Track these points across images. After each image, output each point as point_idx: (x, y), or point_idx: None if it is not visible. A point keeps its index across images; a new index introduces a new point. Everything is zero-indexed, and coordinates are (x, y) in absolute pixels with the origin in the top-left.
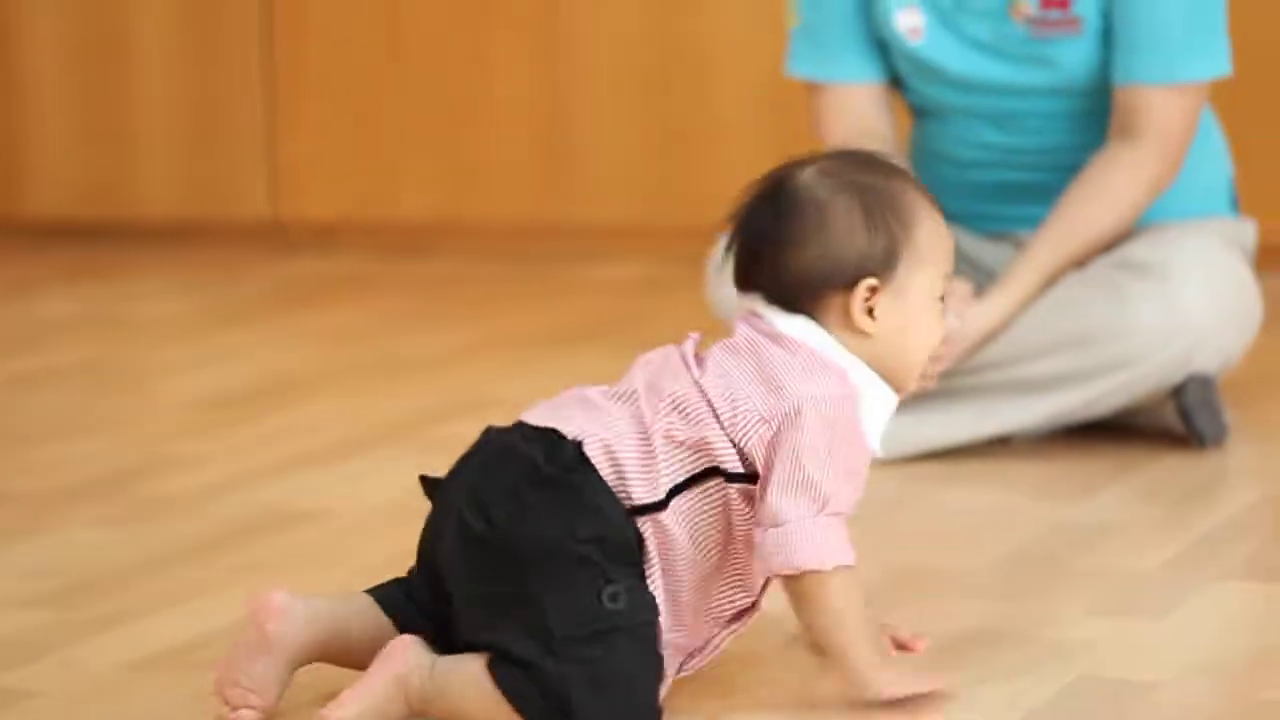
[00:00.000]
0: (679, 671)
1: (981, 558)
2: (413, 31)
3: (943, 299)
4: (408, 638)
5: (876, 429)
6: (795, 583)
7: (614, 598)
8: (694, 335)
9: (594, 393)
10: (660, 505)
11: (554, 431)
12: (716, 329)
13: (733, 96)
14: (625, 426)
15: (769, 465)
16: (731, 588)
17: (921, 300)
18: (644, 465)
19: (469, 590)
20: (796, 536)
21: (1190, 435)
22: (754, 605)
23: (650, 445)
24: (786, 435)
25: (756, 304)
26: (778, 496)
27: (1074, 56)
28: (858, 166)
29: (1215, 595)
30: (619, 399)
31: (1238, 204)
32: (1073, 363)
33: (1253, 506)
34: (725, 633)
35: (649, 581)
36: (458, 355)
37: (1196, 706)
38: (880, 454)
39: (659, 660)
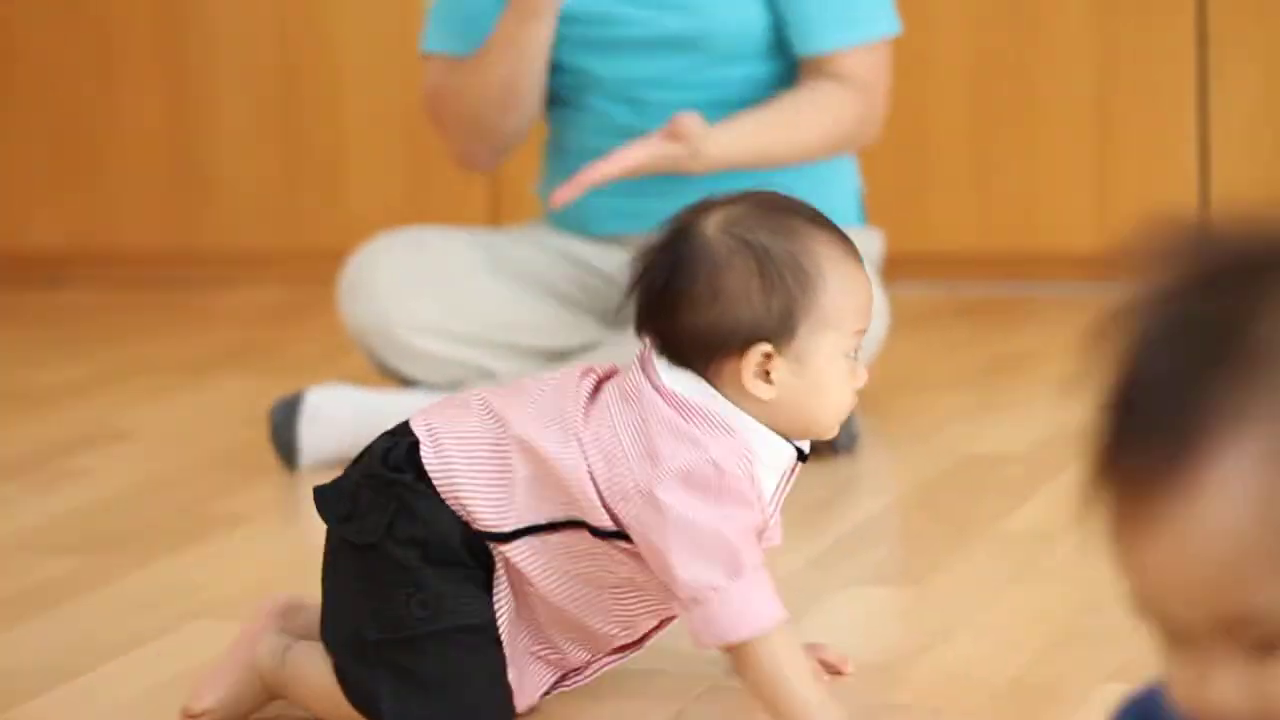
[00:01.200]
0: (555, 688)
1: None
2: (28, 62)
3: (856, 354)
4: (259, 623)
5: (770, 484)
6: (732, 652)
7: (423, 604)
8: (592, 368)
9: (494, 399)
10: (504, 538)
11: (408, 428)
12: (352, 351)
13: (363, 121)
14: (483, 451)
15: (656, 544)
16: (611, 624)
17: (825, 362)
18: (490, 495)
19: (321, 585)
20: (720, 611)
21: (822, 443)
22: (639, 642)
23: (506, 477)
24: (661, 510)
25: (651, 350)
26: (684, 573)
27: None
28: (764, 218)
29: (847, 599)
30: (495, 417)
31: (865, 215)
32: None
33: (882, 512)
34: (605, 660)
35: (497, 592)
36: (90, 385)
37: None
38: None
39: (488, 669)
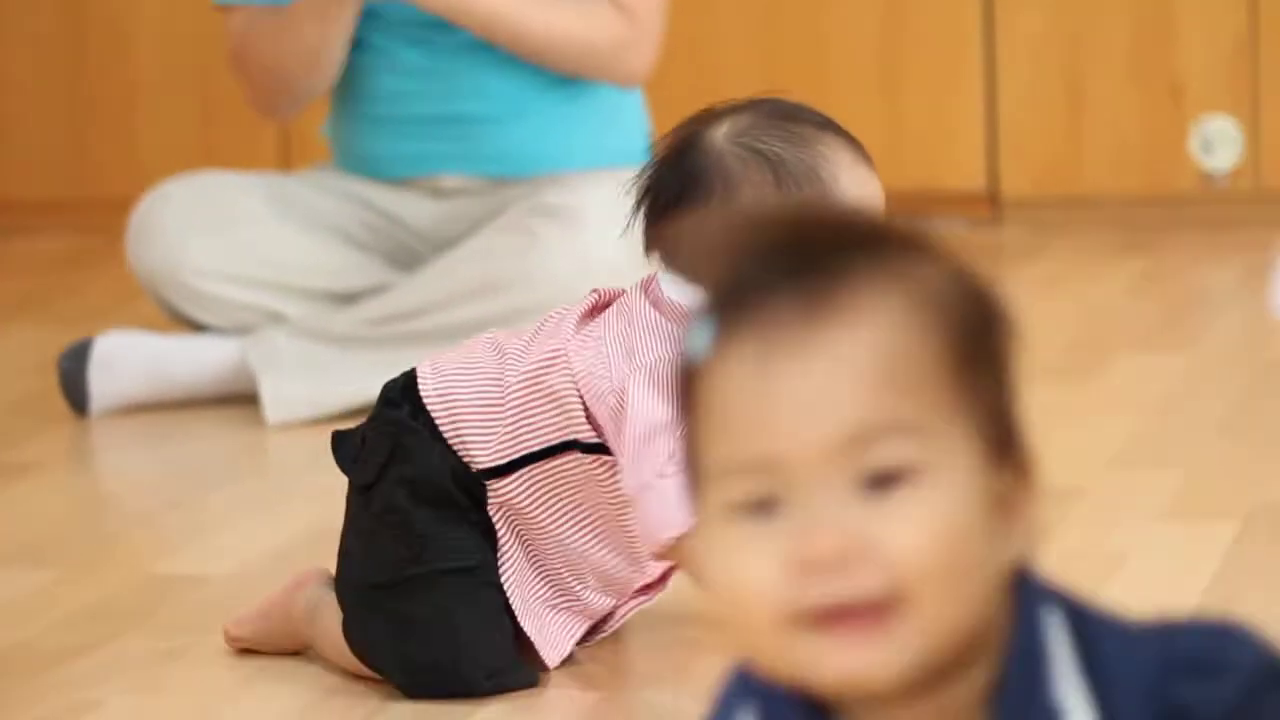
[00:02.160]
0: (587, 639)
1: None
2: None
3: None
4: (314, 570)
5: None
6: (673, 554)
7: (409, 546)
8: (596, 290)
9: (501, 336)
10: (500, 472)
11: (413, 371)
12: (142, 297)
13: (153, 69)
14: (483, 382)
15: (615, 438)
16: (620, 557)
17: None
18: (486, 427)
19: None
20: (651, 505)
21: None
22: (662, 579)
23: (501, 407)
24: (624, 404)
25: (658, 266)
26: (632, 463)
27: None
28: (774, 126)
29: None
30: (499, 350)
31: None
32: (488, 309)
33: None
34: (630, 604)
35: (501, 542)
36: None
37: None
38: (304, 414)
39: (481, 612)
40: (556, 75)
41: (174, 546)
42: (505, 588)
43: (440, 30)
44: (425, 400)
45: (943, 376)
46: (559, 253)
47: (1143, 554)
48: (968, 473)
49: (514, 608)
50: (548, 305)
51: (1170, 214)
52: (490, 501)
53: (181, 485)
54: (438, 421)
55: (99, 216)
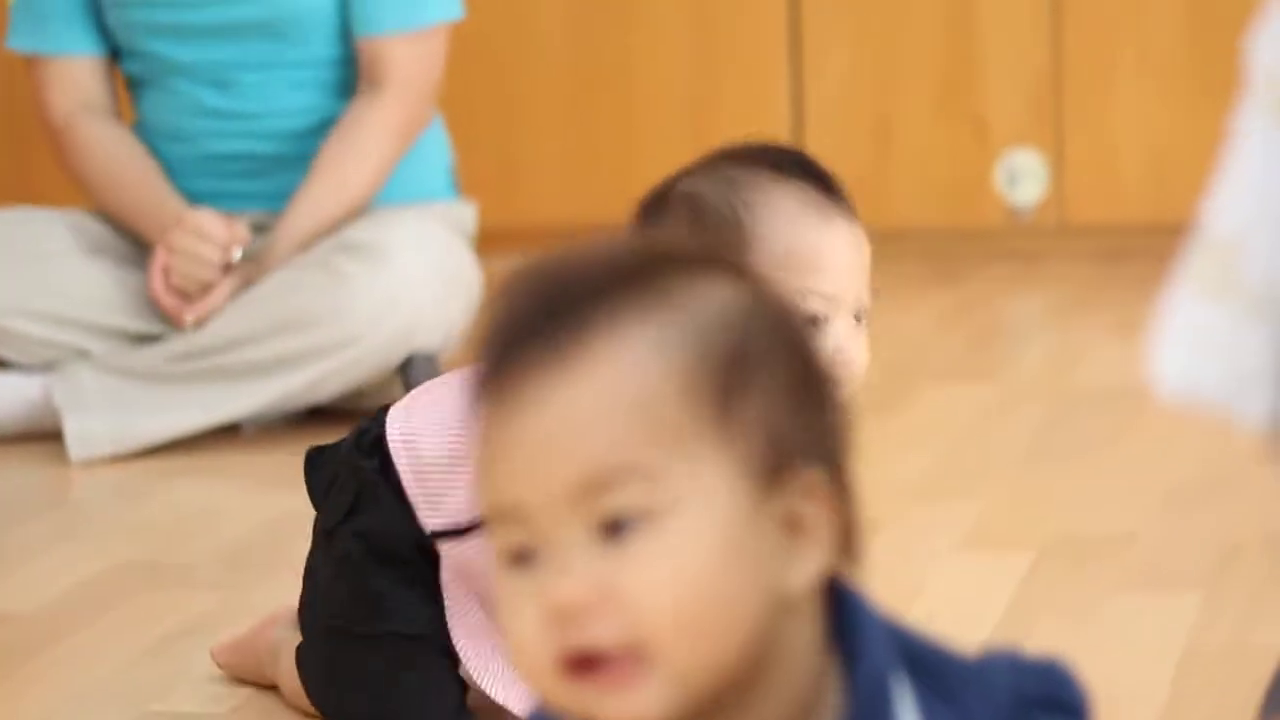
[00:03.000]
0: None
1: (204, 550)
2: None
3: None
4: (285, 609)
5: None
6: None
7: (363, 603)
8: None
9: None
10: (459, 533)
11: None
12: None
13: None
14: (450, 436)
15: None
16: None
17: None
18: (450, 485)
19: None
20: None
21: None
22: None
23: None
24: None
25: None
26: None
27: None
28: (723, 167)
29: None
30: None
31: (457, 188)
32: (293, 345)
33: None
34: None
35: (451, 598)
36: None
37: None
38: (109, 450)
39: (421, 678)
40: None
41: None
42: (461, 651)
43: (240, 70)
44: (390, 443)
45: (688, 410)
46: (364, 288)
47: (939, 585)
48: (719, 507)
49: (472, 669)
50: (353, 340)
51: (977, 247)
52: (444, 566)
53: None
54: (400, 471)
55: None
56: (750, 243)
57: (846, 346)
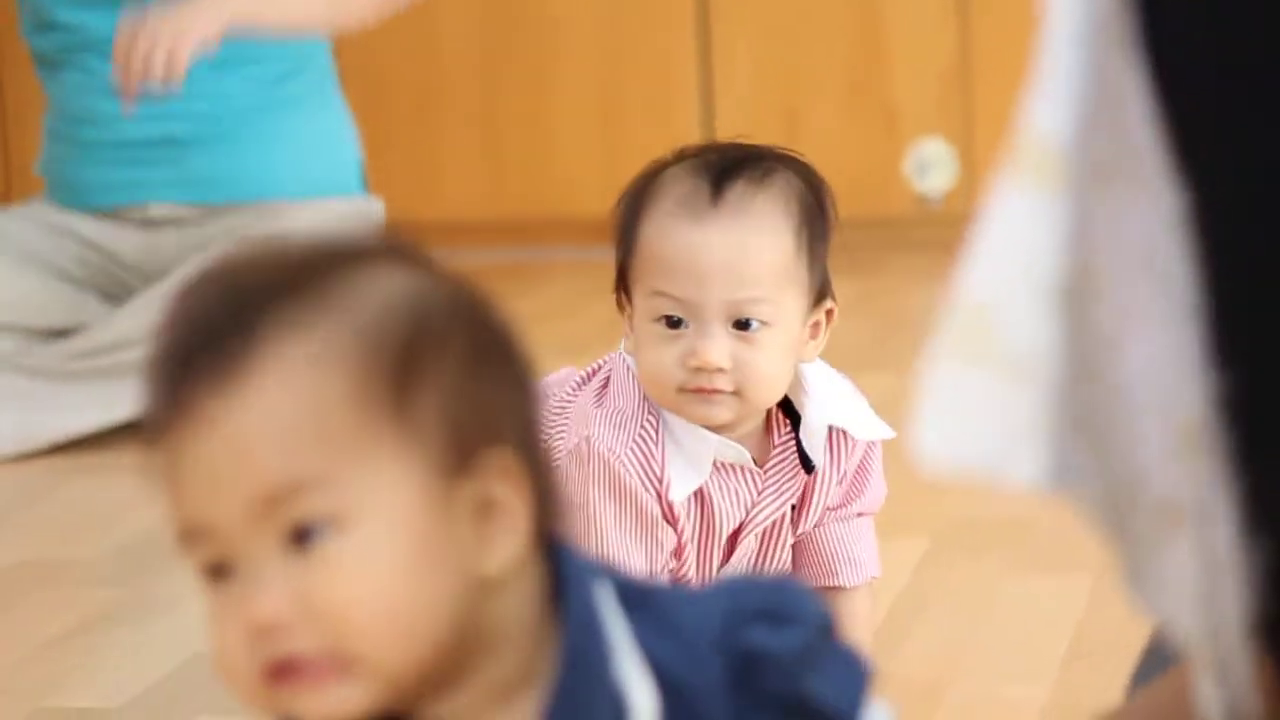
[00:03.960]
0: None
1: (104, 547)
2: None
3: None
4: None
5: (685, 482)
6: None
7: None
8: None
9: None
10: None
11: None
12: None
13: None
14: None
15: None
16: None
17: (639, 324)
18: None
19: None
20: None
21: None
22: None
23: None
24: None
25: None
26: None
27: None
28: (675, 163)
29: None
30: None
31: (365, 184)
32: None
33: None
34: None
35: None
36: None
37: None
38: (12, 449)
39: None
40: (264, 99)
41: None
42: None
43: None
44: None
45: (364, 415)
46: None
47: None
48: (403, 506)
49: None
50: None
51: (886, 236)
52: None
53: None
54: None
55: None
56: (634, 247)
57: (700, 352)
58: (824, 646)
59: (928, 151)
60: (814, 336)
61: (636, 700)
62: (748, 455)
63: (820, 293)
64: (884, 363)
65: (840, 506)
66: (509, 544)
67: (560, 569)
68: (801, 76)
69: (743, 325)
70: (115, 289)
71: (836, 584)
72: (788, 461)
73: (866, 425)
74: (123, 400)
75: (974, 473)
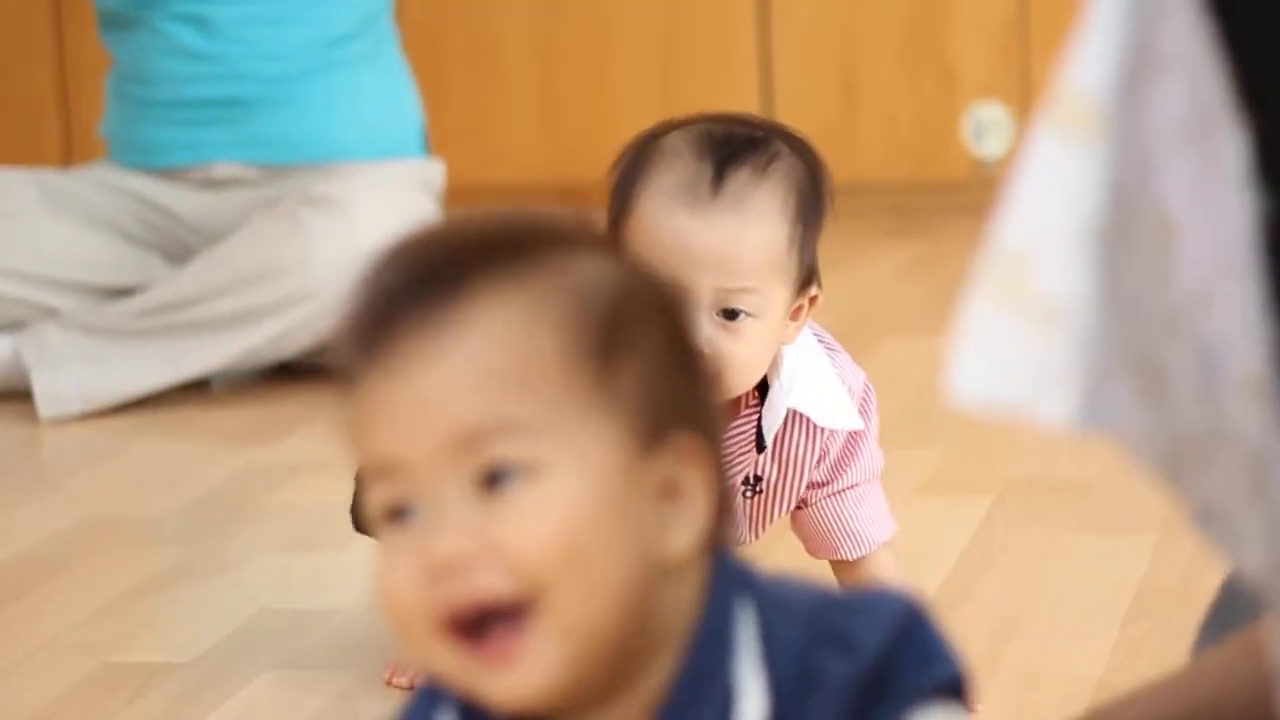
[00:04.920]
0: None
1: (170, 505)
2: None
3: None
4: None
5: None
6: None
7: None
8: None
9: None
10: None
11: None
12: None
13: None
14: None
15: None
16: None
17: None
18: None
19: None
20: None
21: None
22: None
23: None
24: None
25: None
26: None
27: None
28: (666, 133)
29: None
30: None
31: (428, 146)
32: (257, 298)
33: None
34: None
35: None
36: None
37: (373, 633)
38: (78, 408)
39: None
40: (327, 60)
41: None
42: None
43: (220, 4)
44: None
45: (568, 370)
46: (328, 241)
47: (900, 528)
48: (597, 465)
49: None
50: (316, 293)
51: (942, 200)
52: None
53: None
54: None
55: None
56: (628, 227)
57: None
58: (888, 667)
59: (985, 115)
60: (795, 319)
61: (746, 707)
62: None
63: (806, 279)
64: (940, 327)
65: (827, 483)
66: (688, 531)
67: (714, 572)
68: (859, 39)
69: (729, 315)
70: (178, 249)
71: (840, 558)
72: (745, 436)
73: (829, 415)
74: (186, 358)
75: (1009, 411)
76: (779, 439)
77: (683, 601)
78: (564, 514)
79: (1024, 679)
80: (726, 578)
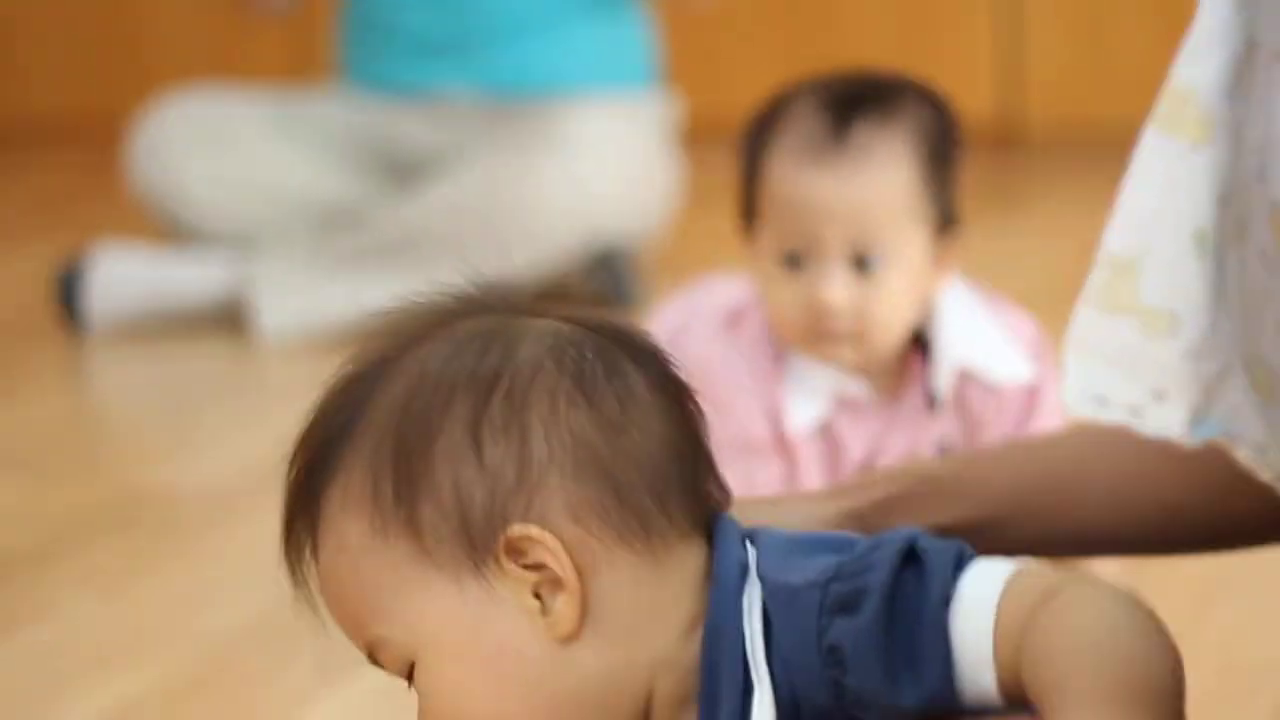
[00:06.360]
0: None
1: None
2: None
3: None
4: None
5: (805, 411)
6: None
7: None
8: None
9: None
10: None
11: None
12: (140, 216)
13: None
14: None
15: None
16: None
17: (760, 260)
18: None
19: None
20: None
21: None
22: None
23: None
24: None
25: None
26: None
27: None
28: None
29: None
30: None
31: (659, 77)
32: (483, 234)
33: None
34: None
35: None
36: None
37: None
38: (300, 332)
39: None
40: None
41: (158, 460)
42: None
43: None
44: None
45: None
46: (557, 183)
47: None
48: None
49: None
50: (543, 234)
51: None
52: None
53: (173, 401)
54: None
55: (104, 130)
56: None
57: (820, 294)
58: (896, 602)
59: None
60: (940, 267)
61: (761, 696)
62: (867, 391)
63: (945, 223)
64: None
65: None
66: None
67: (716, 565)
68: None
69: (863, 264)
70: (402, 175)
71: None
72: (915, 400)
73: (999, 366)
74: (405, 288)
75: (1120, 417)
76: (957, 402)
77: (683, 615)
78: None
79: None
80: (727, 568)
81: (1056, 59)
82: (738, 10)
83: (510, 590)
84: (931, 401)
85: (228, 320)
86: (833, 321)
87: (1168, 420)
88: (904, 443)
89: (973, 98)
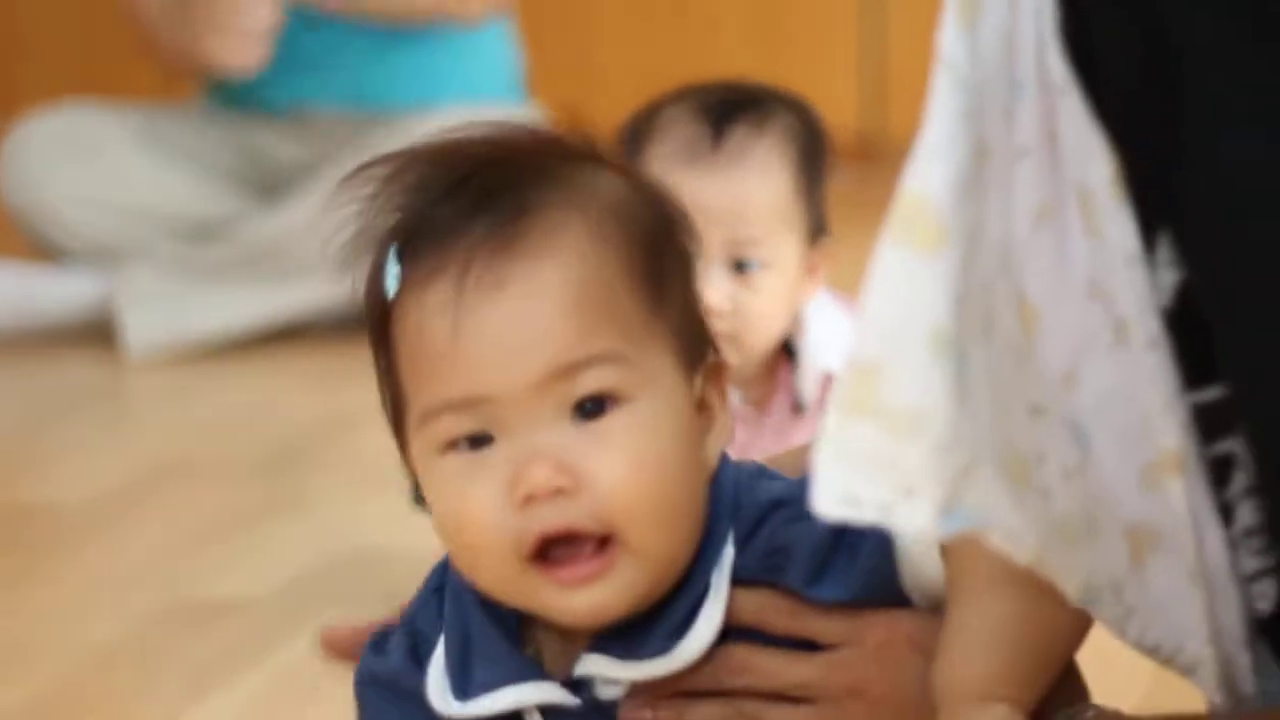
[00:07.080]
0: None
1: (253, 446)
2: None
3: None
4: None
5: None
6: None
7: None
8: None
9: None
10: None
11: None
12: (6, 231)
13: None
14: None
15: None
16: None
17: None
18: None
19: None
20: None
21: None
22: None
23: None
24: None
25: None
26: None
27: None
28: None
29: None
30: None
31: (522, 88)
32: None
33: None
34: None
35: None
36: None
37: None
38: (166, 347)
39: None
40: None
41: (29, 475)
42: None
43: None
44: None
45: (633, 295)
46: None
47: None
48: (671, 390)
49: None
50: None
51: None
52: None
53: (42, 416)
54: None
55: None
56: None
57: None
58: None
59: None
60: (811, 276)
61: (711, 610)
62: (738, 399)
63: (816, 233)
64: None
65: None
66: (716, 446)
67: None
68: None
69: (741, 267)
70: (270, 189)
71: None
72: (783, 402)
73: None
74: (277, 303)
75: (871, 518)
76: (822, 406)
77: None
78: (649, 442)
79: None
80: (721, 491)
81: (918, 73)
82: (603, 22)
83: (696, 402)
84: (798, 407)
85: (97, 334)
86: (712, 323)
87: (917, 515)
88: (771, 450)
89: (838, 112)
